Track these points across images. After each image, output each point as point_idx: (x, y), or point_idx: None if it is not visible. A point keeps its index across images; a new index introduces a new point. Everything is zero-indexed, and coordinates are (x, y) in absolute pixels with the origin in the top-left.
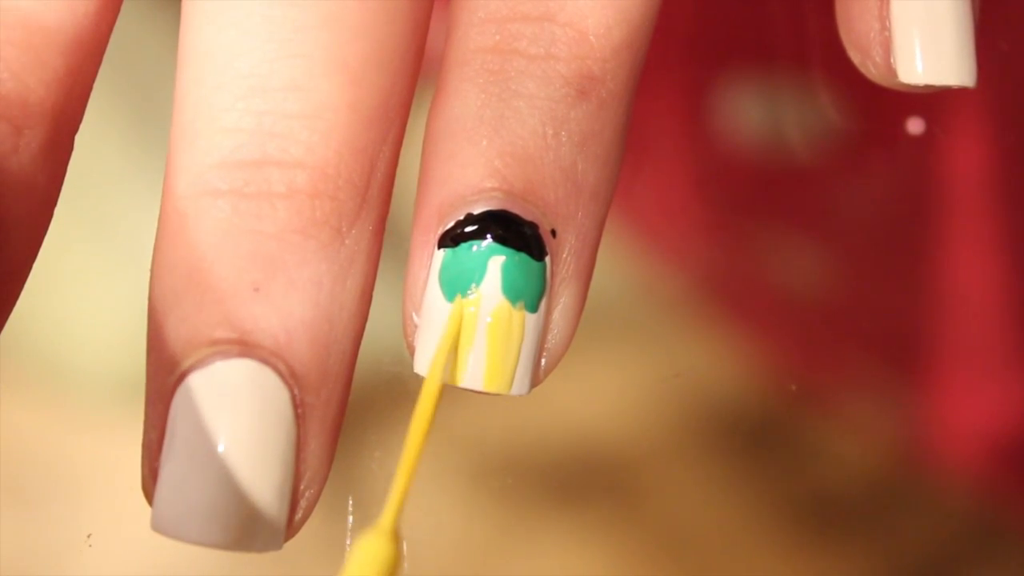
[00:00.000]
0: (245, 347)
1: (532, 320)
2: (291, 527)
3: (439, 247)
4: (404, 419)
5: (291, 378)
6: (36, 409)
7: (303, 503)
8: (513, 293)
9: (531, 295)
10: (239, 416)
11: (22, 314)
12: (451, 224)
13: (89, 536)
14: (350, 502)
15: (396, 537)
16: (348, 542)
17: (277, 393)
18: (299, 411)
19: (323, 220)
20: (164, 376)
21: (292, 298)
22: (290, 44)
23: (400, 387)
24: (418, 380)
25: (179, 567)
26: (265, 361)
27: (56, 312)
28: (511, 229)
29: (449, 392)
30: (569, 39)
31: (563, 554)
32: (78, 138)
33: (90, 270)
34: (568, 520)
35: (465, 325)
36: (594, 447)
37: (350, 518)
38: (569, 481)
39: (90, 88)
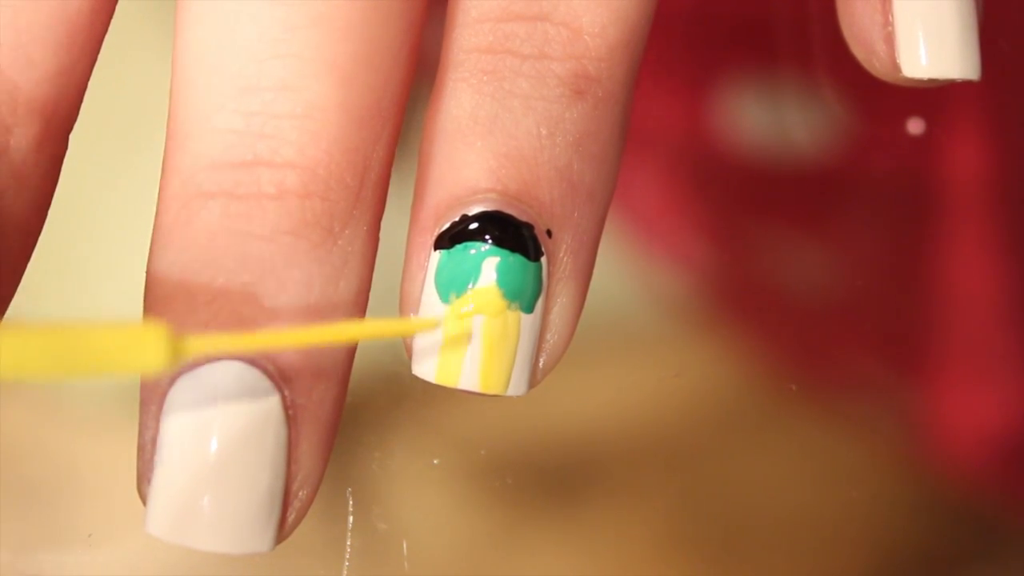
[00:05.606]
0: None
1: (528, 321)
2: (284, 528)
3: (435, 248)
4: (403, 419)
5: (281, 379)
6: (36, 409)
7: (296, 504)
8: (508, 294)
9: (526, 296)
10: (227, 417)
11: (19, 314)
12: (447, 226)
13: (89, 536)
14: (349, 502)
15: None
16: (348, 542)
17: (266, 394)
18: (290, 412)
19: (314, 221)
20: (156, 378)
21: (281, 299)
22: (280, 44)
23: (399, 387)
24: (417, 380)
25: (178, 567)
26: (253, 362)
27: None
28: (506, 230)
29: (449, 392)
30: (563, 38)
31: (563, 554)
32: (74, 136)
33: (87, 270)
34: (568, 520)
35: (460, 327)
36: (594, 447)
37: (350, 518)
38: (569, 481)
39: (84, 86)
